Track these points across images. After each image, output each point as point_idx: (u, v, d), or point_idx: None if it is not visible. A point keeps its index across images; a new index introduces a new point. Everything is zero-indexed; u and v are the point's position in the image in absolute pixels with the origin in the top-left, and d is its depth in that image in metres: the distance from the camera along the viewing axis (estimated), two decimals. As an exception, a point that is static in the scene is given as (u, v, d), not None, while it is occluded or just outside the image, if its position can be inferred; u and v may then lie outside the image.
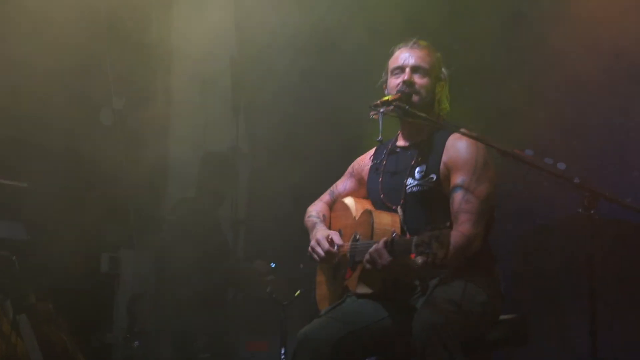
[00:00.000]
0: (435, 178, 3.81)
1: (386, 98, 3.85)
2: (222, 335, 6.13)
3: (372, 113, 3.84)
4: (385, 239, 3.52)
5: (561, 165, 3.34)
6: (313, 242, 3.93)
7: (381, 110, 3.81)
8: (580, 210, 3.29)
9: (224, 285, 6.36)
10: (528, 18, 5.93)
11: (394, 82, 3.94)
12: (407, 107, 3.79)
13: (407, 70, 3.92)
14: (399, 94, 3.84)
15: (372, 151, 4.19)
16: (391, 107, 3.81)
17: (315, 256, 3.91)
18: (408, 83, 3.88)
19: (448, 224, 3.37)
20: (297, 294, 5.47)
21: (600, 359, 3.25)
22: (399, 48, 4.01)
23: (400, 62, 3.96)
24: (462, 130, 3.69)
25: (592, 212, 3.25)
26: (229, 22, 7.13)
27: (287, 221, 6.06)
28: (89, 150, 5.98)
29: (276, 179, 6.63)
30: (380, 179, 4.00)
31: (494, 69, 5.90)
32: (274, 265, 6.20)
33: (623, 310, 5.34)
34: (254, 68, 6.91)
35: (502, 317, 3.81)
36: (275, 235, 6.53)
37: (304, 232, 4.16)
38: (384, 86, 4.05)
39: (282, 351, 5.38)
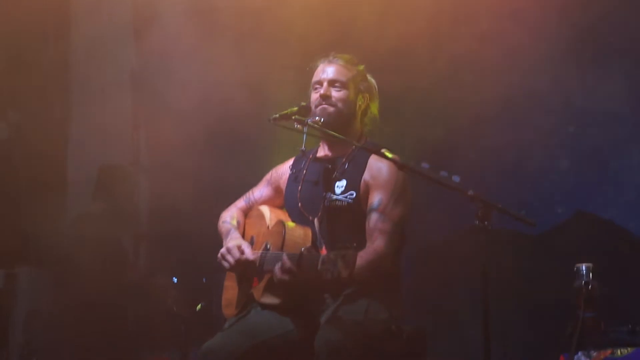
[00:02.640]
0: (354, 195, 3.84)
1: (285, 112, 3.88)
2: (123, 351, 6.05)
3: (297, 124, 3.85)
4: (293, 253, 3.53)
5: (456, 178, 3.42)
6: (223, 250, 3.88)
7: (309, 120, 3.81)
8: (476, 221, 3.34)
9: (125, 300, 6.28)
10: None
11: (314, 96, 3.96)
12: (305, 119, 3.82)
13: (325, 84, 3.95)
14: (297, 108, 3.87)
15: (291, 160, 4.18)
16: (292, 123, 3.83)
17: (225, 264, 3.89)
18: (324, 97, 3.91)
19: (355, 244, 3.40)
20: (198, 307, 5.45)
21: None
22: (320, 63, 4.04)
23: (318, 76, 3.99)
24: (383, 150, 3.71)
25: (485, 223, 3.31)
26: (129, 34, 7.06)
27: (189, 235, 6.03)
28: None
29: (177, 194, 6.58)
30: (299, 188, 3.99)
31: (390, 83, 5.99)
32: (175, 280, 6.15)
33: (516, 320, 5.48)
34: (154, 80, 6.85)
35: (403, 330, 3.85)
36: (177, 249, 6.47)
37: (207, 247, 4.14)
38: (308, 104, 4.02)
39: (183, 365, 5.36)
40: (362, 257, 3.53)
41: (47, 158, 6.43)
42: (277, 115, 3.87)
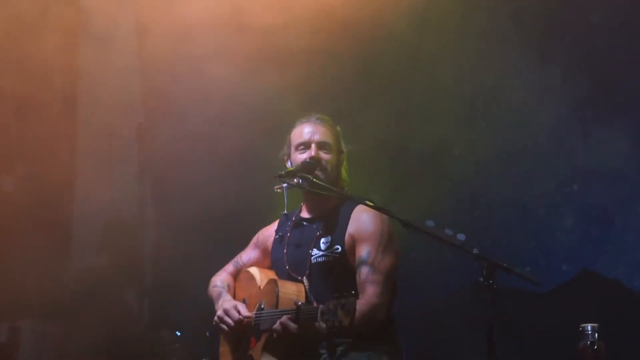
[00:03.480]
0: (340, 249, 3.84)
1: (290, 169, 3.90)
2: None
3: (276, 187, 3.90)
4: (290, 309, 3.53)
5: (461, 237, 3.41)
6: (220, 312, 3.90)
7: (284, 184, 3.86)
8: (481, 279, 3.34)
9: (129, 355, 6.24)
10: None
11: (300, 157, 3.95)
12: (312, 177, 3.84)
13: (313, 146, 3.95)
14: (302, 165, 3.90)
15: (276, 223, 4.20)
16: (296, 179, 3.86)
17: (224, 326, 3.89)
18: (316, 160, 3.92)
19: (353, 292, 3.40)
20: (201, 363, 5.42)
21: None
22: (301, 122, 4.04)
23: (305, 137, 3.98)
24: (367, 202, 3.76)
25: (490, 282, 3.31)
26: (136, 90, 7.12)
27: (193, 290, 6.01)
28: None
29: (182, 248, 6.59)
30: (285, 251, 4.01)
31: (398, 139, 6.03)
32: (179, 334, 6.13)
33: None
34: (161, 135, 6.89)
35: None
36: (180, 303, 6.46)
37: (211, 301, 4.14)
38: (285, 158, 4.06)
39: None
40: (357, 310, 3.52)
41: (52, 211, 6.45)
42: (283, 172, 3.89)
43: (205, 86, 6.53)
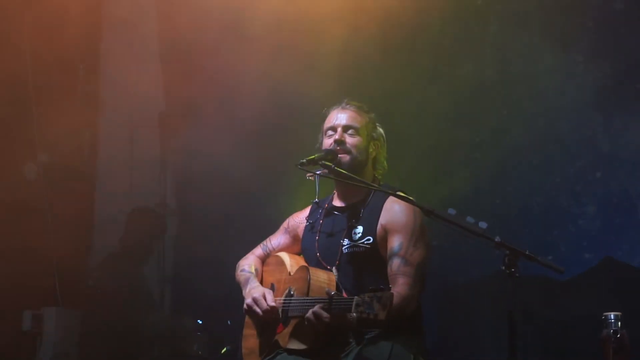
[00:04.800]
0: (372, 240, 3.84)
1: (312, 157, 3.90)
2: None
3: (308, 175, 3.90)
4: (323, 298, 3.53)
5: (482, 224, 3.39)
6: (249, 301, 3.89)
7: (318, 172, 3.86)
8: (503, 267, 3.33)
9: (150, 342, 6.28)
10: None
11: (327, 142, 3.98)
12: (332, 165, 3.84)
13: (339, 130, 3.97)
14: (324, 152, 3.90)
15: (308, 209, 4.20)
16: (319, 167, 3.86)
17: (253, 314, 3.89)
18: (339, 142, 3.93)
19: (390, 286, 3.40)
20: (223, 351, 5.45)
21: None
22: (333, 109, 4.07)
23: (332, 122, 4.01)
24: (399, 192, 3.75)
25: (512, 270, 3.30)
26: (157, 77, 7.14)
27: (215, 278, 6.04)
28: (11, 203, 5.91)
29: (204, 236, 6.61)
30: (316, 238, 4.00)
31: (422, 128, 6.01)
32: (200, 322, 6.15)
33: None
34: (182, 123, 6.91)
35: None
36: (202, 291, 6.48)
37: (232, 289, 4.14)
38: (320, 147, 4.07)
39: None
40: None
41: (74, 198, 6.48)
42: (305, 160, 3.89)
43: (227, 75, 6.54)
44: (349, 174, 3.84)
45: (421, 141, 5.95)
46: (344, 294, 3.64)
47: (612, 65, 5.66)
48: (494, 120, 5.94)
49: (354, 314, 3.30)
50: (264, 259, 4.21)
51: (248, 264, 4.17)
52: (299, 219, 4.20)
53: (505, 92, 5.94)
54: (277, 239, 4.24)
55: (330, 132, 4.00)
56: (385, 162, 4.06)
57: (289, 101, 6.14)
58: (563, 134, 5.79)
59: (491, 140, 5.92)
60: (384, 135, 4.09)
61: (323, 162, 3.88)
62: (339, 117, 4.01)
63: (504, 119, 5.92)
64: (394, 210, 3.85)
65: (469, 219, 3.41)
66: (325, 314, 3.50)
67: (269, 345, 3.88)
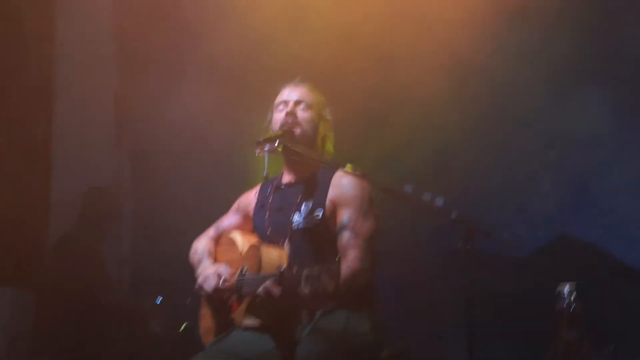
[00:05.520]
0: (321, 215, 3.87)
1: (269, 135, 3.92)
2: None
3: (257, 151, 3.91)
4: (273, 273, 3.55)
5: (439, 201, 3.42)
6: (201, 279, 3.92)
7: (266, 148, 3.87)
8: (459, 244, 3.37)
9: (109, 322, 6.24)
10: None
11: (278, 117, 4.02)
12: (289, 144, 3.85)
13: (291, 103, 4.02)
14: (282, 131, 3.91)
15: (258, 188, 4.23)
16: (275, 144, 3.87)
17: (204, 293, 3.90)
18: (291, 114, 3.96)
19: (337, 258, 3.42)
20: (182, 328, 5.43)
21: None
22: (284, 87, 4.13)
23: (284, 97, 4.07)
24: (347, 167, 3.78)
25: (468, 246, 3.34)
26: (112, 55, 7.08)
27: (173, 255, 6.01)
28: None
29: (160, 214, 6.58)
30: (266, 216, 4.03)
31: (379, 105, 6.03)
32: (159, 301, 6.13)
33: (500, 342, 5.49)
34: (138, 102, 6.86)
35: (386, 350, 3.87)
36: (160, 270, 6.46)
37: (190, 267, 4.15)
38: (269, 124, 4.11)
39: (167, 386, 5.33)
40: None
41: (29, 179, 6.40)
42: (261, 139, 3.90)
43: (182, 50, 6.51)
44: (303, 151, 3.86)
45: (381, 120, 5.97)
46: (296, 269, 3.66)
47: (568, 43, 5.70)
48: (449, 100, 5.97)
49: (305, 288, 3.32)
50: (217, 240, 4.22)
51: (202, 245, 4.19)
52: (249, 198, 4.23)
53: (462, 72, 5.97)
54: (229, 220, 4.27)
55: (281, 107, 4.04)
56: (332, 148, 4.10)
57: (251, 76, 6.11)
58: (519, 113, 5.83)
59: (448, 119, 5.94)
60: (330, 118, 4.12)
61: (280, 140, 3.89)
62: (291, 93, 4.07)
63: (462, 98, 5.95)
64: (341, 184, 3.88)
65: (427, 195, 3.44)
66: (276, 289, 3.52)
67: (224, 322, 3.90)
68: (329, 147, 4.10)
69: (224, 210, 4.34)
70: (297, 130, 3.96)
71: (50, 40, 6.88)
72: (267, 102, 4.20)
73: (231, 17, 6.25)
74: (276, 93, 4.15)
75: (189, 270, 4.13)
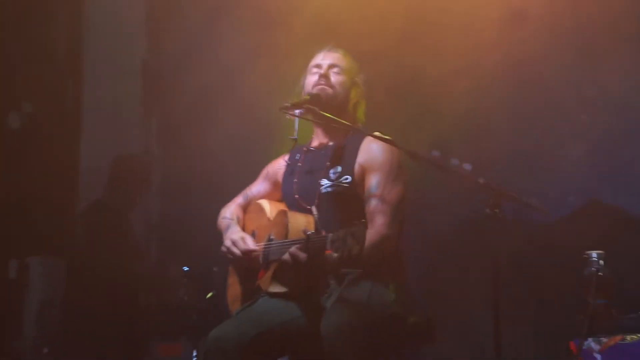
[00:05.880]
0: (349, 179, 3.86)
1: (297, 100, 3.90)
2: (134, 340, 6.06)
3: (287, 115, 3.90)
4: (300, 238, 3.54)
5: (467, 166, 3.41)
6: (228, 242, 3.92)
7: (296, 111, 3.86)
8: (487, 210, 3.34)
9: (137, 289, 6.29)
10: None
11: (311, 79, 4.02)
12: (317, 109, 3.83)
13: (324, 66, 4.01)
14: (309, 96, 3.89)
15: (287, 155, 4.21)
16: (302, 109, 3.85)
17: (231, 256, 3.90)
18: (323, 76, 3.96)
19: (363, 220, 3.41)
20: (209, 296, 5.47)
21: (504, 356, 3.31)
22: (319, 52, 4.12)
23: (318, 60, 4.07)
24: (376, 133, 3.75)
25: (496, 211, 3.31)
26: (141, 23, 7.08)
27: (201, 224, 6.03)
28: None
29: (189, 183, 6.60)
30: (295, 180, 4.02)
31: (405, 71, 5.98)
32: (186, 269, 6.16)
33: (527, 307, 5.48)
34: (166, 70, 6.87)
35: (411, 318, 3.86)
36: (188, 238, 6.49)
37: (218, 236, 4.15)
38: (302, 90, 4.09)
39: (194, 353, 5.37)
40: (366, 240, 3.52)
41: (59, 147, 6.44)
42: (289, 104, 3.88)
43: (211, 22, 6.50)
44: (331, 116, 3.82)
45: (408, 86, 5.94)
46: (324, 234, 3.65)
47: (595, 7, 5.62)
48: (481, 65, 5.91)
49: (333, 253, 3.31)
50: (245, 207, 4.22)
51: (230, 211, 4.19)
52: (278, 164, 4.23)
53: (491, 39, 5.90)
54: (257, 187, 4.26)
55: (315, 70, 4.02)
56: (363, 116, 4.08)
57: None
58: (548, 78, 5.76)
59: (477, 86, 5.89)
60: (363, 84, 4.10)
61: (307, 105, 3.87)
62: (326, 56, 4.06)
63: (491, 64, 5.89)
64: (371, 149, 3.86)
65: (454, 161, 3.41)
66: (302, 254, 3.51)
67: (251, 290, 3.90)
68: (360, 114, 4.08)
69: (253, 178, 4.33)
70: (330, 92, 3.94)
71: (79, 9, 6.91)
72: (301, 68, 4.19)
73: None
74: (310, 58, 4.14)
75: (218, 239, 4.13)
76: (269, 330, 3.69)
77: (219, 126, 6.38)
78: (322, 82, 3.97)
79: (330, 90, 3.96)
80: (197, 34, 6.65)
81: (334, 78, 3.99)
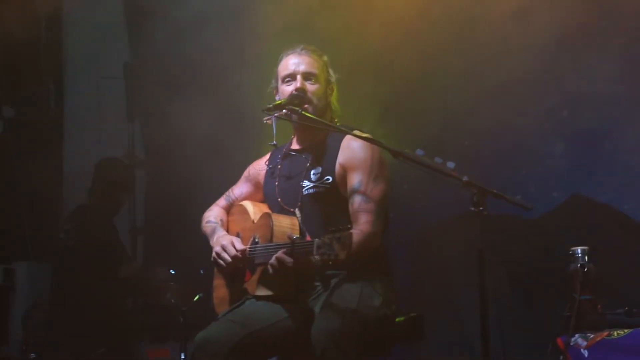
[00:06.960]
0: (330, 180, 3.86)
1: (278, 102, 3.89)
2: (122, 343, 6.05)
3: (265, 118, 3.89)
4: (285, 242, 3.55)
5: (450, 164, 3.40)
6: (218, 249, 3.91)
7: (274, 114, 3.85)
8: (471, 207, 3.35)
9: (124, 293, 6.28)
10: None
11: (287, 89, 3.96)
12: (299, 110, 3.83)
13: (299, 77, 3.95)
14: (290, 97, 3.88)
15: (268, 156, 4.21)
16: (284, 111, 3.85)
17: (222, 262, 3.91)
18: (301, 91, 3.92)
19: (349, 225, 3.41)
20: (196, 298, 5.46)
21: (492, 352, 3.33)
22: (287, 54, 4.04)
23: (290, 69, 3.98)
24: (356, 132, 3.76)
25: (480, 208, 3.32)
26: (122, 25, 7.07)
27: (186, 227, 6.03)
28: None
29: (173, 186, 6.59)
30: (276, 183, 4.02)
31: (388, 69, 5.99)
32: (173, 272, 6.16)
33: (513, 303, 5.50)
34: (148, 73, 6.85)
35: (399, 317, 3.88)
36: (174, 241, 6.48)
37: (204, 238, 4.15)
38: (274, 92, 4.07)
39: (182, 356, 5.36)
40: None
41: (42, 152, 6.43)
42: (271, 105, 3.88)
43: (191, 23, 6.48)
44: (312, 116, 3.84)
45: (392, 84, 5.94)
46: (308, 237, 3.65)
47: (578, 2, 5.64)
48: (463, 62, 5.92)
49: (317, 257, 3.32)
50: (228, 209, 4.22)
51: (214, 215, 4.18)
52: (259, 166, 4.21)
53: (472, 35, 5.92)
54: (240, 189, 4.25)
55: (288, 80, 3.98)
56: (337, 104, 4.06)
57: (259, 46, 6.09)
58: (530, 73, 5.77)
59: (459, 82, 5.90)
60: (334, 78, 4.08)
61: (290, 106, 3.86)
62: (298, 63, 3.99)
63: (472, 61, 5.90)
64: (351, 148, 3.86)
65: (438, 159, 3.42)
66: (288, 259, 3.53)
67: (238, 293, 3.90)
68: (335, 106, 4.05)
69: (235, 179, 4.33)
70: (310, 108, 3.89)
71: (59, 14, 6.90)
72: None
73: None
74: (277, 57, 4.07)
75: (203, 241, 4.13)
76: (257, 332, 3.69)
77: (201, 128, 6.37)
78: (300, 95, 3.90)
79: (310, 108, 3.89)
80: (179, 37, 6.63)
81: (310, 89, 3.94)
